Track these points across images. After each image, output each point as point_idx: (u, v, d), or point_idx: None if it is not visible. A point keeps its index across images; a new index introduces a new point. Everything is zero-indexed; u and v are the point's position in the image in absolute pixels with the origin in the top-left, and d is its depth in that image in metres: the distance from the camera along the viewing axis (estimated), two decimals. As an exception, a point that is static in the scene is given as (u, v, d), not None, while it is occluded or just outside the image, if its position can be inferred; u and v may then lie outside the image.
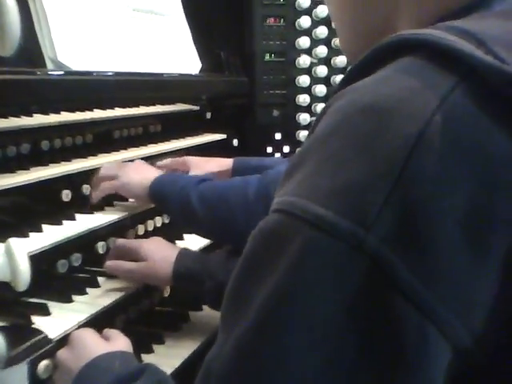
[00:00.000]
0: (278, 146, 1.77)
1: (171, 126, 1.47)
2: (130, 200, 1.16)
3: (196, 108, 1.55)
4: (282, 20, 1.72)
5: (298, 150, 1.55)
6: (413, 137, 0.35)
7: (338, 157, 0.37)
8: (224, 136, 1.62)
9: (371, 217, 0.34)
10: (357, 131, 0.37)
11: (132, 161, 1.18)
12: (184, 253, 1.01)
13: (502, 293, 0.35)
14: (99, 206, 1.10)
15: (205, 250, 1.24)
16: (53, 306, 0.90)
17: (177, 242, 1.24)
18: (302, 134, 1.75)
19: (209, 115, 1.64)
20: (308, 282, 0.35)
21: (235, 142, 1.70)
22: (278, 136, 1.76)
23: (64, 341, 0.81)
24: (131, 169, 1.10)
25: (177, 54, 1.51)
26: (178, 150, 1.36)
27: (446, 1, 0.45)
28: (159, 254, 0.99)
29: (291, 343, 0.35)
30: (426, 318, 0.34)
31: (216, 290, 0.95)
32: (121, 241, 1.05)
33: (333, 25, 1.71)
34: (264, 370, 0.36)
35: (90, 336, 0.81)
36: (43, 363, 0.77)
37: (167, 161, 1.29)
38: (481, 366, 0.36)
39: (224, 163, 1.28)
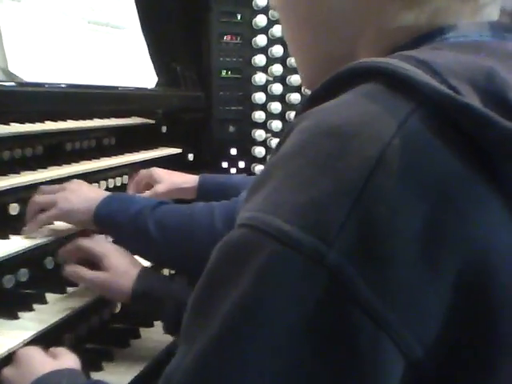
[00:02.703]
0: (233, 162, 1.78)
1: (126, 140, 1.46)
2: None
3: (151, 122, 1.55)
4: (239, 38, 1.74)
5: (253, 165, 1.55)
6: (373, 159, 0.37)
7: (303, 175, 0.38)
8: (179, 150, 1.62)
9: (333, 233, 0.36)
10: (321, 151, 0.38)
11: (84, 174, 1.16)
12: (146, 271, 0.97)
13: (453, 309, 0.37)
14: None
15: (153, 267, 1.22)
16: (-3, 322, 0.87)
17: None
18: (258, 150, 1.77)
19: (164, 129, 1.63)
20: (270, 296, 0.36)
21: (190, 157, 1.70)
22: (233, 151, 1.78)
23: (9, 359, 0.79)
24: (70, 192, 1.01)
25: (133, 67, 1.50)
26: (132, 163, 1.35)
27: (403, 33, 0.47)
28: (122, 267, 0.95)
29: (251, 356, 0.36)
30: (380, 329, 0.35)
31: (175, 311, 0.90)
32: (85, 243, 0.98)
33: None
34: (224, 383, 0.37)
35: (36, 354, 0.79)
36: (-14, 382, 0.75)
37: (135, 179, 1.28)
38: (432, 378, 0.37)
39: (190, 179, 1.27)
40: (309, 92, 0.46)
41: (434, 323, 0.36)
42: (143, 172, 1.29)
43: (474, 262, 0.37)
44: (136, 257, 1.16)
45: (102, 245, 0.99)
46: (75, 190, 1.03)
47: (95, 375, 0.93)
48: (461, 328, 0.37)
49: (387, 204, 0.36)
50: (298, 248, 0.36)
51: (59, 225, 1.08)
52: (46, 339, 0.88)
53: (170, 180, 1.26)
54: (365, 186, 0.36)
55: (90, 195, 1.02)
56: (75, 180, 1.07)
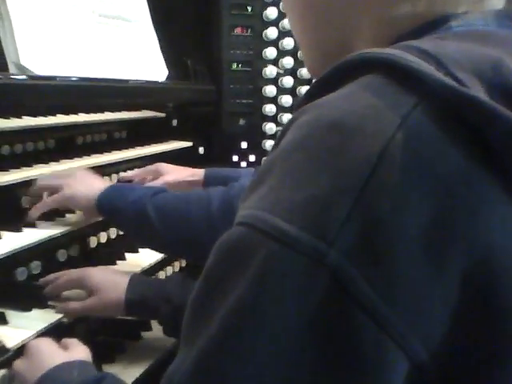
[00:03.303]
0: (243, 155, 1.78)
1: (137, 133, 1.46)
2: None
3: (162, 115, 1.55)
4: (250, 30, 1.74)
5: (263, 159, 1.55)
6: (375, 154, 0.36)
7: (302, 171, 0.37)
8: (190, 144, 1.62)
9: (333, 232, 0.35)
10: (321, 147, 0.37)
11: (95, 167, 1.17)
12: (136, 278, 0.96)
13: (458, 310, 0.36)
14: (60, 213, 1.09)
15: (168, 258, 1.23)
16: (10, 314, 0.88)
17: (140, 250, 1.23)
18: (268, 144, 1.76)
19: (175, 122, 1.63)
20: (270, 296, 0.36)
21: (201, 150, 1.70)
22: (244, 145, 1.77)
23: (22, 350, 0.80)
24: (75, 180, 1.04)
25: (143, 60, 1.50)
26: (143, 157, 1.35)
27: (403, 22, 0.46)
28: (107, 282, 0.94)
29: (252, 357, 0.36)
30: (384, 332, 0.35)
31: (172, 315, 0.91)
32: (62, 280, 0.96)
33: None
34: None
35: (47, 345, 0.80)
36: (0, 373, 0.75)
37: (142, 169, 1.28)
38: (435, 379, 0.36)
39: (195, 173, 1.28)
40: None
41: (438, 324, 0.36)
42: (149, 167, 1.29)
43: (480, 260, 0.36)
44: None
45: (79, 271, 0.97)
46: (80, 177, 1.05)
47: (107, 367, 0.93)
48: (466, 329, 0.36)
49: (390, 201, 0.35)
50: (297, 247, 0.35)
51: (71, 217, 1.09)
52: (58, 331, 0.88)
53: (176, 174, 1.26)
54: (367, 183, 0.35)
55: (93, 183, 1.05)
56: (82, 169, 1.09)
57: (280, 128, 1.77)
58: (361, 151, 0.36)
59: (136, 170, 1.30)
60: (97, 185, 1.04)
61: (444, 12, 0.45)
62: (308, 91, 0.44)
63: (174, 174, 1.26)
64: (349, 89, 0.40)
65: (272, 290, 0.36)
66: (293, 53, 1.74)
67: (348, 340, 0.35)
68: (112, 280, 0.95)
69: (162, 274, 1.24)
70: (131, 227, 1.03)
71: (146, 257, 1.19)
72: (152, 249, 1.12)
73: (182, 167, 1.30)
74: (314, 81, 0.45)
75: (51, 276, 0.98)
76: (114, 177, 1.27)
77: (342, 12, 0.50)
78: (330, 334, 0.35)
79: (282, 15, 1.73)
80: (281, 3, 1.73)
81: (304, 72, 1.75)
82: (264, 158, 1.60)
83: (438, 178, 0.36)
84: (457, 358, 0.36)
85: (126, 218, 1.00)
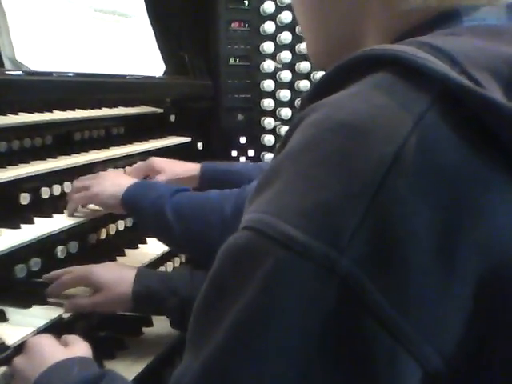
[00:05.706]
0: (242, 150, 1.77)
1: (134, 129, 1.45)
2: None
3: (160, 111, 1.54)
4: (247, 25, 1.73)
5: (264, 154, 1.52)
6: (388, 158, 0.34)
7: (311, 174, 0.36)
8: (188, 139, 1.61)
9: (345, 239, 0.34)
10: (331, 149, 0.36)
11: (93, 163, 1.16)
12: (143, 271, 0.97)
13: (472, 316, 0.35)
14: (59, 210, 1.08)
15: (167, 254, 1.23)
16: (10, 311, 0.87)
17: (140, 245, 1.22)
18: (267, 138, 1.76)
19: (173, 118, 1.62)
20: (279, 304, 0.35)
21: (200, 146, 1.69)
22: (242, 140, 1.76)
23: (22, 347, 0.79)
24: (103, 178, 1.09)
25: (140, 55, 1.49)
26: (141, 152, 1.35)
27: (414, 15, 0.45)
28: (114, 277, 0.93)
29: (260, 364, 0.35)
30: (396, 340, 0.34)
31: (179, 308, 0.91)
32: (67, 278, 0.95)
33: (297, 30, 1.74)
34: None
35: (47, 342, 0.79)
36: (0, 370, 0.75)
37: (134, 166, 1.27)
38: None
39: (192, 167, 1.26)
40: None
41: (452, 331, 0.35)
42: (141, 164, 1.28)
43: (494, 264, 0.35)
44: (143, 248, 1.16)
45: (84, 269, 0.97)
46: (108, 176, 1.11)
47: (107, 363, 0.93)
48: (481, 335, 0.35)
49: (402, 208, 0.34)
50: (307, 254, 0.34)
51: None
52: (58, 328, 0.88)
53: (171, 170, 1.24)
54: (379, 188, 0.34)
55: (120, 181, 1.08)
56: (111, 169, 1.15)
57: (278, 122, 1.76)
58: (373, 155, 0.35)
59: (127, 168, 1.28)
60: (124, 182, 1.07)
61: (457, 5, 0.43)
62: (314, 88, 0.42)
63: (167, 173, 1.24)
64: (358, 87, 0.38)
65: (280, 298, 0.35)
66: (290, 47, 1.74)
67: (360, 349, 0.34)
68: (118, 274, 0.95)
69: (162, 270, 1.23)
70: (151, 226, 1.06)
71: (146, 252, 1.19)
72: (168, 245, 1.13)
73: (175, 161, 1.29)
74: (320, 77, 0.43)
75: (54, 273, 0.98)
76: (113, 173, 1.26)
77: (352, 4, 0.48)
78: (341, 344, 0.34)
79: (279, 9, 1.72)
80: (278, -3, 1.72)
81: (302, 66, 1.74)
82: (263, 152, 1.59)
83: (452, 183, 0.35)
84: (473, 364, 0.35)
85: (146, 215, 1.03)
